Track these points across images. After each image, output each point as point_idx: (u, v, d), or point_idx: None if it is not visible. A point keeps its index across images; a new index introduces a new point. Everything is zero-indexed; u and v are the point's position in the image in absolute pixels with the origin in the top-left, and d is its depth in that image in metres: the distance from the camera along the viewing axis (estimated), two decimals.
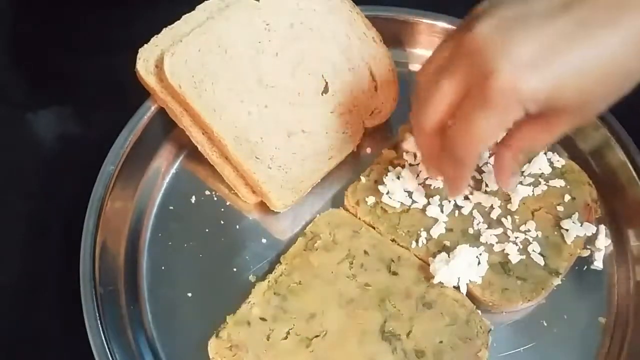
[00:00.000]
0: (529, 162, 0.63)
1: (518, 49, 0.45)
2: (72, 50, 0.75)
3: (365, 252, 0.59)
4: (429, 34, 0.72)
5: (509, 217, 0.61)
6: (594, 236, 0.61)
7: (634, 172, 0.63)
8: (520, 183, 0.62)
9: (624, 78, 0.46)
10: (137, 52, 0.63)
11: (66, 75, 0.74)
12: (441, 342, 0.55)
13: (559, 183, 0.62)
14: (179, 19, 0.65)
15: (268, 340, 0.55)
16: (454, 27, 0.70)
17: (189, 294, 0.60)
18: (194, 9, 0.66)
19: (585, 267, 0.61)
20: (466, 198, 0.62)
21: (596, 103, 0.48)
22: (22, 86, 0.77)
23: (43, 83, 0.76)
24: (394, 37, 0.71)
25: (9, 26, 0.79)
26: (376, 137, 0.68)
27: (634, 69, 0.46)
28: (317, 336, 0.55)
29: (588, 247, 0.61)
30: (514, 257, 0.59)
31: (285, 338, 0.55)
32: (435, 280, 0.57)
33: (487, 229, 0.60)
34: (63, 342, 0.60)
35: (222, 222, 0.64)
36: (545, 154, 0.64)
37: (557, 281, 0.58)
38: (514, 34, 0.45)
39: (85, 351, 0.54)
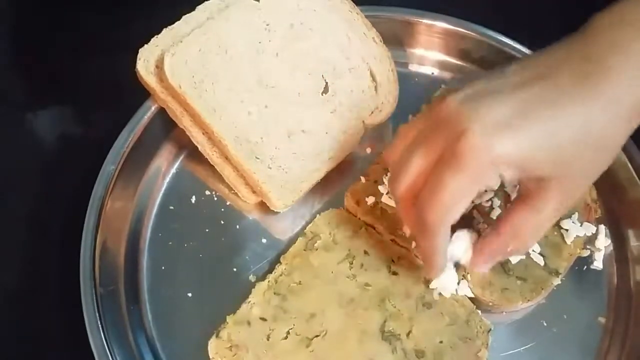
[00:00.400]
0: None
1: (489, 111, 0.44)
2: (72, 50, 0.75)
3: (365, 252, 0.59)
4: (429, 34, 0.72)
5: None
6: (594, 236, 0.61)
7: (634, 172, 0.63)
8: None
9: (598, 151, 0.46)
10: (137, 52, 0.63)
11: (66, 75, 0.74)
12: (441, 342, 0.55)
13: None
14: (179, 19, 0.65)
15: (268, 340, 0.55)
16: (453, 27, 0.71)
17: (189, 294, 0.60)
18: (194, 9, 0.66)
19: (585, 267, 0.61)
20: None
21: (576, 178, 0.47)
22: (22, 86, 0.77)
23: (43, 83, 0.75)
24: (394, 37, 0.71)
25: (9, 26, 0.79)
26: (376, 137, 0.68)
27: (609, 142, 0.46)
28: (317, 336, 0.55)
29: (588, 247, 0.61)
30: (514, 257, 0.59)
31: (285, 338, 0.55)
32: (432, 286, 0.57)
33: (487, 229, 0.60)
34: (63, 342, 0.60)
35: (222, 222, 0.64)
36: None
37: (556, 281, 0.58)
38: (486, 100, 0.45)
39: (85, 351, 0.54)
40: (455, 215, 0.48)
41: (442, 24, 0.71)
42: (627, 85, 0.45)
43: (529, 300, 0.57)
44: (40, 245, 0.65)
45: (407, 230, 0.59)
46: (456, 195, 0.46)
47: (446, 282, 0.56)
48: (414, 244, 0.59)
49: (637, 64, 0.45)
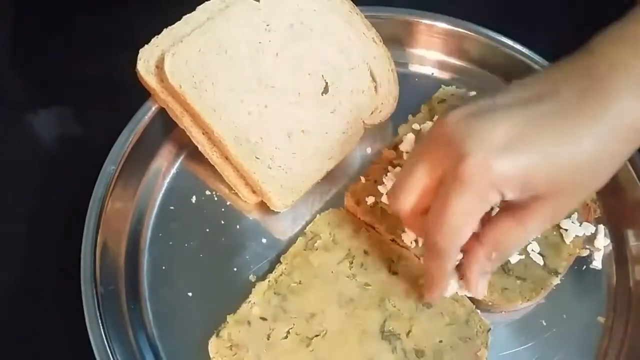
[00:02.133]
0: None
1: (490, 133, 0.44)
2: (72, 50, 0.75)
3: (365, 252, 0.59)
4: (428, 34, 0.72)
5: None
6: (593, 236, 0.61)
7: (633, 172, 0.63)
8: None
9: (595, 172, 0.46)
10: (137, 52, 0.63)
11: (66, 75, 0.74)
12: (441, 341, 0.55)
13: None
14: (179, 19, 0.65)
15: (268, 339, 0.55)
16: (453, 27, 0.71)
17: (190, 294, 0.60)
18: (194, 9, 0.66)
19: (585, 267, 0.62)
20: None
21: (568, 197, 0.47)
22: (22, 86, 0.77)
23: (43, 83, 0.75)
24: (394, 37, 0.71)
25: (9, 26, 0.79)
26: (376, 137, 0.69)
27: (607, 164, 0.46)
28: (317, 336, 0.55)
29: (587, 247, 0.61)
30: (514, 256, 0.59)
31: (286, 337, 0.55)
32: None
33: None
34: (63, 342, 0.60)
35: (222, 222, 0.64)
36: None
37: (556, 281, 0.59)
38: (486, 120, 0.45)
39: (86, 351, 0.55)
40: (464, 237, 0.47)
41: (442, 24, 0.71)
42: (628, 105, 0.44)
43: (528, 300, 0.58)
44: (40, 245, 0.65)
45: (407, 239, 0.59)
46: (463, 217, 0.46)
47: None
48: (412, 245, 0.59)
49: (638, 83, 0.44)
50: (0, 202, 0.67)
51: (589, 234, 0.61)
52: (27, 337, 0.61)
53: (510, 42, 0.70)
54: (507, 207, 0.48)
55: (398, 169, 0.63)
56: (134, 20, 0.75)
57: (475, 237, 0.50)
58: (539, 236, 0.60)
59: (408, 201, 0.50)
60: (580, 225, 0.61)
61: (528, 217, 0.47)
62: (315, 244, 0.60)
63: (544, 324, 0.59)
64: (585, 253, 0.61)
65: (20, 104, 0.75)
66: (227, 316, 0.56)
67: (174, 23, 0.65)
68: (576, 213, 0.61)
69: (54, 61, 0.75)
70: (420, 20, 0.72)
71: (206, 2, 0.66)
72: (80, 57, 0.75)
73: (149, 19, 0.67)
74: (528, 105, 0.45)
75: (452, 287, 0.53)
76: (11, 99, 0.75)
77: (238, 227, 0.64)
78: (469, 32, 0.71)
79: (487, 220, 0.49)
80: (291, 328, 0.56)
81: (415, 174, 0.49)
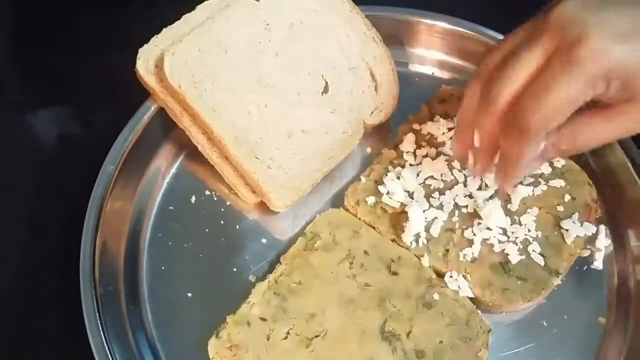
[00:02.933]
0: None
1: (609, 19, 0.44)
2: (72, 50, 0.75)
3: (365, 252, 0.59)
4: (429, 34, 0.72)
5: (508, 217, 0.60)
6: (594, 236, 0.61)
7: (634, 172, 0.63)
8: (520, 183, 0.62)
9: None
10: (137, 52, 0.63)
11: (66, 75, 0.74)
12: (441, 342, 0.55)
13: (559, 183, 0.62)
14: (179, 19, 0.65)
15: (268, 340, 0.55)
16: (453, 27, 0.71)
17: (189, 294, 0.60)
18: (194, 9, 0.66)
19: (585, 267, 0.61)
20: (468, 196, 0.62)
21: None
22: (22, 86, 0.77)
23: (43, 83, 0.75)
24: (394, 37, 0.71)
25: (9, 26, 0.79)
26: (376, 137, 0.68)
27: None
28: (317, 336, 0.55)
29: (588, 247, 0.61)
30: (514, 257, 0.59)
31: (285, 338, 0.55)
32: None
33: (486, 228, 0.60)
34: (62, 343, 0.60)
35: (222, 222, 0.64)
36: None
37: (557, 281, 0.58)
38: (603, 9, 0.45)
39: (85, 351, 0.54)
40: (557, 122, 0.46)
41: (442, 24, 0.71)
42: None
43: (529, 300, 0.57)
44: (40, 245, 0.65)
45: (407, 239, 0.59)
46: (565, 101, 0.45)
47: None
48: (413, 245, 0.59)
49: None
50: (0, 202, 0.67)
51: (590, 234, 0.60)
52: (27, 337, 0.61)
53: None
54: (596, 106, 0.47)
55: (399, 169, 0.63)
56: (134, 20, 0.75)
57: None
58: (540, 236, 0.60)
59: (507, 86, 0.48)
60: (581, 226, 0.60)
61: (616, 116, 0.47)
62: (315, 244, 0.59)
63: (545, 324, 0.59)
64: (586, 253, 0.61)
65: (20, 104, 0.75)
66: (227, 317, 0.56)
67: (173, 23, 0.65)
68: (577, 213, 0.61)
69: (54, 61, 0.75)
70: (421, 20, 0.72)
71: (206, 2, 0.66)
72: (80, 57, 0.75)
73: (149, 18, 0.66)
74: None
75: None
76: (11, 99, 0.75)
77: (238, 227, 0.64)
78: (469, 32, 0.71)
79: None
80: (291, 329, 0.55)
81: (521, 60, 0.47)
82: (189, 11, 0.65)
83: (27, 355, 0.61)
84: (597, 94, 0.45)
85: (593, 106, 0.47)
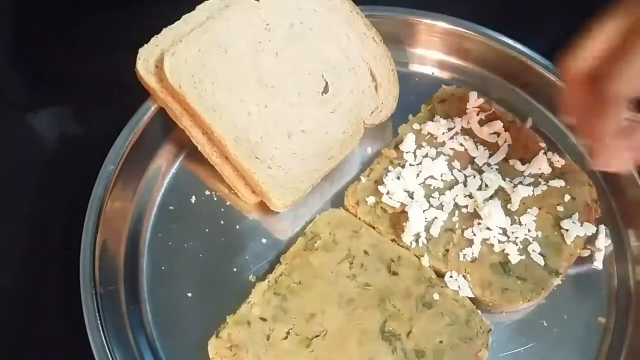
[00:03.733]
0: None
1: None
2: (72, 50, 0.75)
3: (365, 252, 0.59)
4: (428, 34, 0.72)
5: (508, 217, 0.61)
6: (594, 236, 0.61)
7: (634, 172, 0.63)
8: (520, 183, 0.62)
9: None
10: (137, 52, 0.63)
11: (66, 75, 0.74)
12: (441, 342, 0.55)
13: (559, 183, 0.62)
14: (179, 19, 0.65)
15: (268, 340, 0.55)
16: (453, 27, 0.71)
17: (189, 294, 0.60)
18: (194, 9, 0.66)
19: (585, 267, 0.61)
20: (468, 196, 0.62)
21: None
22: (22, 86, 0.77)
23: (43, 83, 0.76)
24: (394, 37, 0.71)
25: (9, 26, 0.79)
26: (376, 137, 0.68)
27: None
28: (317, 336, 0.55)
29: (588, 247, 0.61)
30: (514, 257, 0.59)
31: (285, 338, 0.55)
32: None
33: (486, 228, 0.60)
34: (63, 343, 0.60)
35: (222, 222, 0.64)
36: (545, 153, 0.64)
37: (557, 281, 0.58)
38: None
39: (86, 351, 0.54)
40: (637, 88, 0.46)
41: (442, 24, 0.71)
42: None
43: (529, 300, 0.57)
44: (40, 245, 0.65)
45: (407, 239, 0.59)
46: None
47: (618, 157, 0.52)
48: (412, 245, 0.59)
49: None
50: (0, 202, 0.67)
51: (590, 234, 0.60)
52: (27, 337, 0.61)
53: (510, 41, 0.70)
54: None
55: (399, 169, 0.63)
56: (134, 20, 0.75)
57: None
58: (540, 236, 0.60)
59: (587, 56, 0.47)
60: (581, 226, 0.60)
61: None
62: (316, 244, 0.59)
63: (545, 324, 0.59)
64: (586, 253, 0.61)
65: (20, 104, 0.75)
66: (227, 317, 0.56)
67: (173, 23, 0.65)
68: (577, 213, 0.61)
69: (54, 61, 0.75)
70: (421, 20, 0.71)
71: (206, 2, 0.66)
72: (80, 57, 0.75)
73: (148, 19, 0.67)
74: None
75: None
76: (11, 99, 0.75)
77: (238, 227, 0.64)
78: (469, 32, 0.71)
79: None
80: (291, 328, 0.55)
81: (600, 27, 0.46)
82: (189, 11, 0.65)
83: (27, 355, 0.61)
84: None
85: None
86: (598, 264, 0.61)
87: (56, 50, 0.75)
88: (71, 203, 0.63)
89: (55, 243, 0.64)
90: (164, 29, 0.64)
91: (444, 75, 0.73)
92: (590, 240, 0.61)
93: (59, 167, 0.69)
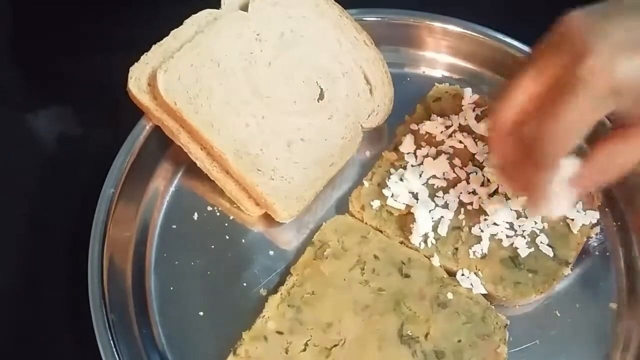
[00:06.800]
0: None
1: (616, 31, 0.42)
2: (72, 50, 0.75)
3: (376, 257, 0.59)
4: (423, 35, 0.72)
5: (514, 211, 0.61)
6: (598, 222, 0.62)
7: None
8: None
9: None
10: (137, 52, 0.62)
11: (66, 75, 0.73)
12: (459, 341, 0.55)
13: None
14: (179, 19, 0.64)
15: (287, 353, 0.54)
16: (444, 26, 0.71)
17: (201, 313, 0.59)
18: (195, 9, 0.65)
19: (592, 254, 0.62)
20: (472, 193, 0.62)
21: None
22: (22, 86, 0.76)
23: (43, 83, 0.75)
24: (389, 39, 0.71)
25: (9, 26, 0.78)
26: (374, 139, 0.68)
27: None
28: (335, 345, 0.55)
29: (593, 234, 0.62)
30: (523, 250, 0.59)
31: (304, 350, 0.55)
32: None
33: (493, 224, 0.60)
34: (64, 344, 0.60)
35: (227, 237, 0.63)
36: None
37: (567, 271, 0.59)
38: (610, 20, 0.42)
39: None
40: (571, 147, 0.44)
41: (437, 25, 0.71)
42: None
43: (541, 292, 0.58)
44: (40, 245, 0.64)
45: (415, 240, 0.59)
46: (575, 125, 0.43)
47: (559, 203, 0.51)
48: (422, 246, 0.59)
49: None
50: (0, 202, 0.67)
51: (594, 221, 0.61)
52: (27, 340, 0.60)
53: (504, 37, 0.70)
54: (617, 129, 0.46)
55: (401, 170, 0.63)
56: (134, 21, 0.74)
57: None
58: (546, 228, 0.60)
59: (513, 110, 0.45)
60: (585, 214, 0.61)
61: (635, 135, 0.45)
62: (325, 253, 0.59)
63: (558, 314, 0.59)
64: (592, 240, 0.62)
65: (20, 104, 0.74)
66: (242, 333, 0.55)
67: (174, 24, 0.64)
68: (580, 202, 0.61)
69: (54, 61, 0.74)
70: (415, 22, 0.71)
71: (193, 16, 0.65)
72: (80, 57, 0.74)
73: (148, 19, 0.66)
74: None
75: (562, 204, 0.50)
76: (11, 99, 0.74)
77: (243, 240, 0.63)
78: (459, 30, 0.71)
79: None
80: (309, 340, 0.55)
81: (524, 77, 0.45)
82: (189, 11, 0.65)
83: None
84: (608, 111, 0.43)
85: (618, 127, 0.46)
86: (605, 251, 0.62)
87: (56, 50, 0.74)
88: (71, 203, 0.63)
89: (56, 243, 0.63)
90: (153, 45, 0.63)
91: (435, 73, 0.73)
92: (595, 227, 0.62)
93: (59, 168, 0.68)
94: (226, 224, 0.64)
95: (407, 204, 0.61)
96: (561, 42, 0.44)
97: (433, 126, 0.66)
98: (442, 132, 0.65)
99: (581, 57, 0.42)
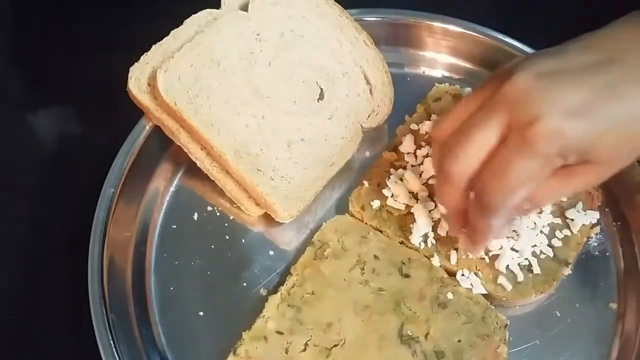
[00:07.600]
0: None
1: (564, 95, 0.44)
2: (72, 50, 0.75)
3: (376, 257, 0.59)
4: (423, 35, 0.72)
5: None
6: (598, 222, 0.62)
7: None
8: None
9: None
10: (137, 52, 0.62)
11: (66, 75, 0.73)
12: (459, 341, 0.55)
13: None
14: (179, 19, 0.64)
15: (287, 353, 0.54)
16: (443, 26, 0.71)
17: (201, 313, 0.59)
18: (195, 9, 0.65)
19: (592, 254, 0.62)
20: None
21: (623, 158, 0.47)
22: (22, 86, 0.76)
23: (43, 83, 0.75)
24: (388, 39, 0.71)
25: (9, 26, 0.78)
26: (374, 139, 0.68)
27: None
28: (335, 345, 0.55)
29: (593, 234, 0.62)
30: (523, 250, 0.59)
31: (304, 350, 0.55)
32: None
33: None
34: (64, 344, 0.60)
35: (227, 237, 0.63)
36: None
37: (567, 271, 0.59)
38: (557, 83, 0.44)
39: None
40: (519, 199, 0.47)
41: (437, 24, 0.71)
42: None
43: (541, 292, 0.58)
44: (40, 245, 0.64)
45: (416, 240, 0.59)
46: (523, 180, 0.45)
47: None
48: (422, 246, 0.59)
49: None
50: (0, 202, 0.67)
51: (594, 221, 0.61)
52: (28, 340, 0.60)
53: (503, 37, 0.70)
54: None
55: (401, 171, 0.63)
56: (134, 21, 0.74)
57: None
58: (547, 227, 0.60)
59: (468, 170, 0.47)
60: (585, 214, 0.61)
61: (573, 179, 0.47)
62: (325, 253, 0.59)
63: (558, 314, 0.59)
64: (592, 241, 0.62)
65: (20, 104, 0.74)
66: (242, 333, 0.55)
67: (174, 24, 0.64)
68: (580, 202, 0.61)
69: (54, 61, 0.74)
70: (415, 22, 0.71)
71: (193, 16, 0.65)
72: (80, 57, 0.74)
73: (148, 19, 0.66)
74: (598, 70, 0.45)
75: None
76: (11, 99, 0.74)
77: (243, 240, 0.63)
78: (459, 29, 0.71)
79: None
80: (309, 340, 0.55)
81: (478, 138, 0.46)
82: (189, 11, 0.65)
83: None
84: (556, 167, 0.46)
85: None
86: (604, 251, 0.62)
87: (56, 50, 0.75)
88: (71, 203, 0.63)
89: (56, 244, 0.63)
90: (153, 45, 0.63)
91: (435, 73, 0.73)
92: (595, 227, 0.62)
93: (59, 167, 0.68)
94: (226, 224, 0.64)
95: (406, 204, 0.61)
96: (510, 103, 0.45)
97: None
98: None
99: (532, 122, 0.44)
